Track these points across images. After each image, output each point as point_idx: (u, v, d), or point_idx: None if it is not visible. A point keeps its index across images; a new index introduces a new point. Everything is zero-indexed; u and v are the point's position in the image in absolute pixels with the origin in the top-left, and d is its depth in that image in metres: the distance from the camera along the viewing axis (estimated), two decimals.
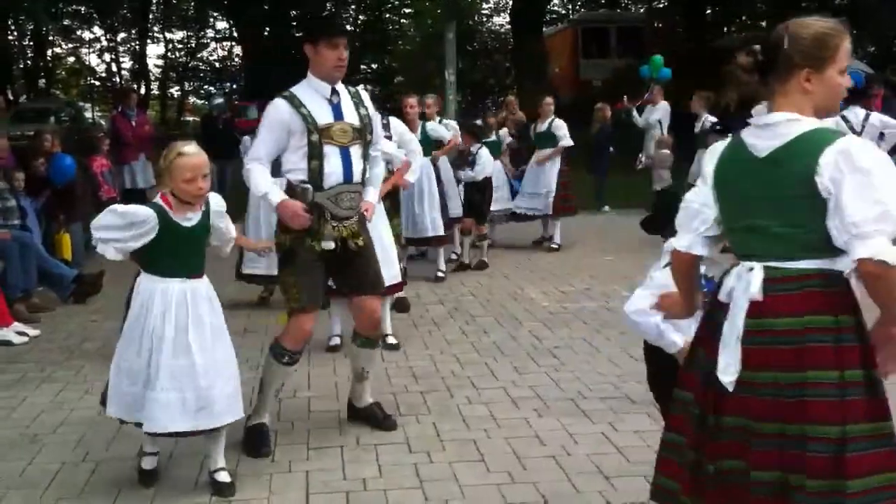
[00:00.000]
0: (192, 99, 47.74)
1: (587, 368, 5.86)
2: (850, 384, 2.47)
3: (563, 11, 40.50)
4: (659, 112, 14.27)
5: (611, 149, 13.90)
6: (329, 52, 4.44)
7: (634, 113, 14.70)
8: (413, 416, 4.99)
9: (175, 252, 3.91)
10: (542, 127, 10.94)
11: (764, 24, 33.24)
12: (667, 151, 12.65)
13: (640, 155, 13.92)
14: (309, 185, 4.41)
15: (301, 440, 4.66)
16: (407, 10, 39.30)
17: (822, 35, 2.54)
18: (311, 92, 4.49)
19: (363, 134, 4.57)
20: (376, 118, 4.81)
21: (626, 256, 9.82)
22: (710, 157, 2.75)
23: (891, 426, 2.53)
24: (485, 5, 42.15)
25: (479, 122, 11.51)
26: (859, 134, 8.52)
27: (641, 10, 34.73)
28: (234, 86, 43.78)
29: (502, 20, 40.46)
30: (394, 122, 7.40)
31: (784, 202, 2.54)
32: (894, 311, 2.46)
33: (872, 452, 2.46)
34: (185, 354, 3.83)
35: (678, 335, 3.29)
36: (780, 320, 2.52)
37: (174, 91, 48.33)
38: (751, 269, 2.60)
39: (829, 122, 8.51)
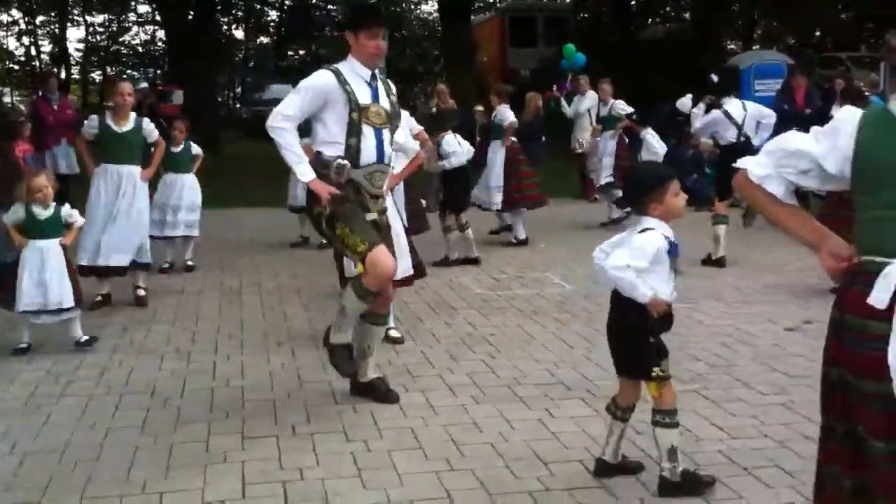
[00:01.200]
0: None
1: (522, 355, 5.89)
2: None
3: (491, 0, 40.60)
4: (588, 101, 14.44)
5: (542, 138, 14.01)
6: (368, 41, 4.78)
7: (563, 102, 14.90)
8: (349, 405, 4.95)
9: None
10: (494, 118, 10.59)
11: (687, 15, 33.80)
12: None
13: (578, 138, 14.26)
14: (347, 162, 4.68)
15: (236, 430, 4.59)
16: None
17: None
18: (353, 73, 4.79)
19: (392, 119, 4.92)
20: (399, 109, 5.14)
21: (558, 244, 9.89)
22: (847, 121, 2.37)
23: None
24: None
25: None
26: (741, 126, 8.74)
27: (568, 1, 34.99)
28: (158, 71, 42.98)
29: (431, 7, 40.44)
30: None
31: None
32: None
33: None
34: None
35: (647, 287, 3.59)
36: None
37: (96, 75, 47.28)
38: None
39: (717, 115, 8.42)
